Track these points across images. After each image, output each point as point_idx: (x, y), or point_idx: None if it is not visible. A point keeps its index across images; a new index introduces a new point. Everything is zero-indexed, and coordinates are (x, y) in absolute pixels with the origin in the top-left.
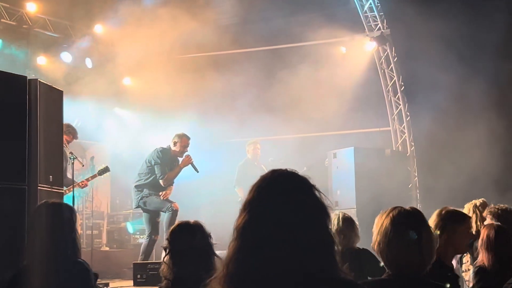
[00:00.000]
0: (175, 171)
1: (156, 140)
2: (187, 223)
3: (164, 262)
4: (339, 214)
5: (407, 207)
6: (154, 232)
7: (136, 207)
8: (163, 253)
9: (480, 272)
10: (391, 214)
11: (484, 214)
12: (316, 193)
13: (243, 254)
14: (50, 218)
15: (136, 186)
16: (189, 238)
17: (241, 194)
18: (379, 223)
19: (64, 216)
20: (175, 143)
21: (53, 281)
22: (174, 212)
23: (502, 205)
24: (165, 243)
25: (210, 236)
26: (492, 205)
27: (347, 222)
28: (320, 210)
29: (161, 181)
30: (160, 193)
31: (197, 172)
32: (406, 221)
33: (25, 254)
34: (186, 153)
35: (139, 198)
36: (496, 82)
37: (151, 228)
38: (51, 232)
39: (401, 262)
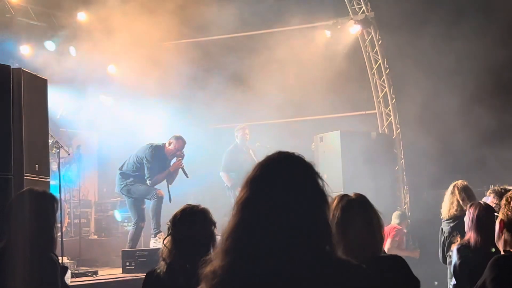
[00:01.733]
0: (163, 174)
1: (141, 127)
2: (191, 209)
3: (164, 244)
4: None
5: (352, 194)
6: (140, 219)
7: (119, 193)
8: (152, 240)
9: (462, 250)
10: (340, 204)
11: (488, 193)
12: (319, 180)
13: (242, 229)
14: (28, 206)
15: (121, 173)
16: (191, 225)
17: (225, 179)
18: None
19: (44, 205)
20: (170, 143)
21: (19, 269)
22: (159, 199)
23: (506, 186)
24: (167, 224)
25: (214, 225)
26: (497, 186)
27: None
28: (321, 197)
29: (148, 182)
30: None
31: (187, 177)
32: (355, 208)
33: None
34: (178, 157)
35: (123, 185)
36: (486, 63)
37: (137, 216)
38: (28, 220)
39: (356, 249)
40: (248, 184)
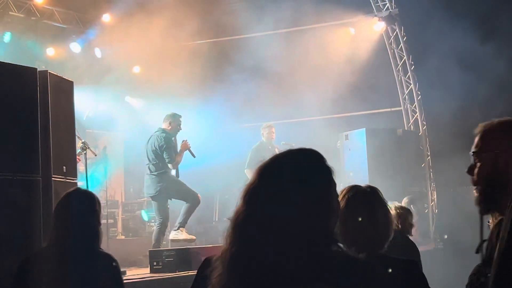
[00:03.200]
0: (180, 155)
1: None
2: None
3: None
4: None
5: (363, 185)
6: (166, 219)
7: (154, 194)
8: (172, 232)
9: None
10: (347, 195)
11: None
12: (332, 175)
13: (246, 216)
14: (81, 206)
15: (155, 174)
16: None
17: (250, 176)
18: None
19: (94, 206)
20: (169, 123)
21: (73, 269)
22: (197, 203)
23: None
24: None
25: None
26: None
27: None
28: (329, 190)
29: (170, 165)
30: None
31: (194, 157)
32: (361, 200)
33: (45, 238)
34: (184, 139)
35: (159, 187)
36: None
37: (163, 215)
38: (79, 220)
39: (357, 242)
40: (257, 171)
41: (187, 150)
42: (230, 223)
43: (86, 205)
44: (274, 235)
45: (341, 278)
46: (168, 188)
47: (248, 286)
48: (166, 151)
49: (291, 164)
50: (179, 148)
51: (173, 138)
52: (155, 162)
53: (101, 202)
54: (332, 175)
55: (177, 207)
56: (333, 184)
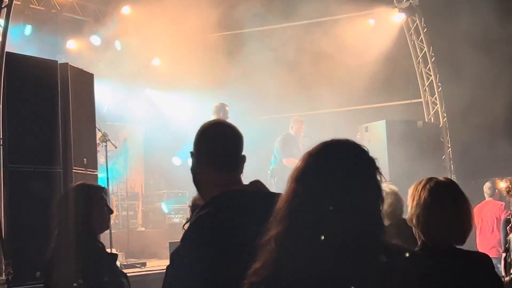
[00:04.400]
0: None
1: (187, 120)
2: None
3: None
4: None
5: (441, 178)
6: None
7: None
8: None
9: None
10: (428, 186)
11: None
12: (379, 176)
13: (295, 214)
14: (81, 200)
15: None
16: None
17: (292, 163)
18: (416, 196)
19: (97, 198)
20: (222, 114)
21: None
22: None
23: None
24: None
25: None
26: None
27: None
28: (377, 192)
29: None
30: None
31: None
32: (444, 192)
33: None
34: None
35: None
36: None
37: None
38: (80, 214)
39: (442, 234)
40: (296, 179)
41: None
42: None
43: (82, 200)
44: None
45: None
46: None
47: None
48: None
49: (340, 159)
50: None
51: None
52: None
53: (121, 194)
54: (376, 166)
55: None
56: (381, 192)
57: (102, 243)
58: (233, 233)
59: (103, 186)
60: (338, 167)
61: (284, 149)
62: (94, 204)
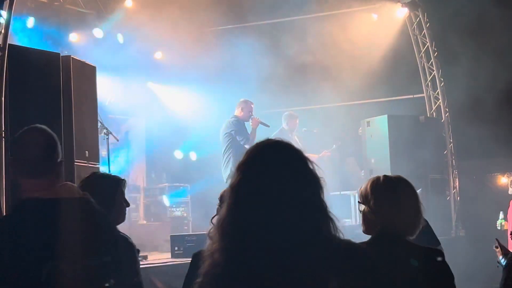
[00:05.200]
0: (253, 134)
1: (189, 114)
2: None
3: (212, 223)
4: None
5: (392, 175)
6: None
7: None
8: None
9: None
10: (380, 181)
11: None
12: (309, 164)
13: (235, 214)
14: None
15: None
16: None
17: None
18: (370, 191)
19: (119, 190)
20: (241, 109)
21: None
22: None
23: None
24: (218, 203)
25: None
26: None
27: None
28: (311, 180)
29: (246, 146)
30: None
31: (268, 126)
32: (395, 186)
33: None
34: (252, 117)
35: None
36: None
37: None
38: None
39: (394, 225)
40: (239, 169)
41: (260, 124)
42: (219, 222)
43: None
44: (274, 233)
45: (346, 267)
46: None
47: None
48: (238, 134)
49: (271, 158)
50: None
51: (245, 123)
52: (227, 148)
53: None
54: (310, 165)
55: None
56: (316, 173)
57: (129, 236)
58: (16, 239)
59: (123, 178)
60: (270, 159)
61: None
62: (115, 196)
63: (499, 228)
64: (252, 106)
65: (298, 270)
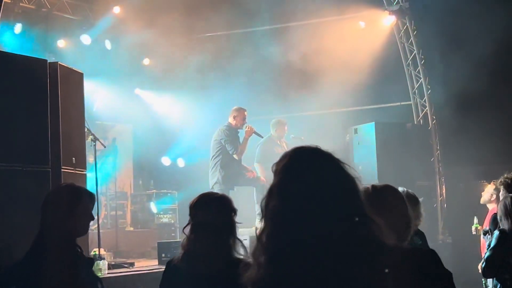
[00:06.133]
0: (244, 144)
1: (177, 120)
2: (208, 196)
3: (184, 233)
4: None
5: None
6: None
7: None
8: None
9: (501, 234)
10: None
11: (499, 182)
12: (343, 166)
13: (278, 239)
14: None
15: (216, 165)
16: (206, 211)
17: (259, 170)
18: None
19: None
20: (234, 117)
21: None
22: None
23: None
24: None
25: (234, 212)
26: (505, 175)
27: (409, 199)
28: (350, 183)
29: (234, 156)
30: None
31: (262, 137)
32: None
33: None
34: (246, 125)
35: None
36: None
37: None
38: (61, 217)
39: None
40: (274, 191)
41: (254, 134)
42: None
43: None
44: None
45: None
46: (231, 177)
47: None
48: (228, 143)
49: (310, 163)
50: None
51: (238, 131)
52: (217, 155)
53: (110, 193)
54: (343, 165)
55: None
56: (350, 180)
57: (80, 247)
58: None
59: (89, 190)
60: (305, 170)
61: (261, 153)
62: (76, 207)
63: (474, 233)
64: (246, 113)
65: (354, 281)
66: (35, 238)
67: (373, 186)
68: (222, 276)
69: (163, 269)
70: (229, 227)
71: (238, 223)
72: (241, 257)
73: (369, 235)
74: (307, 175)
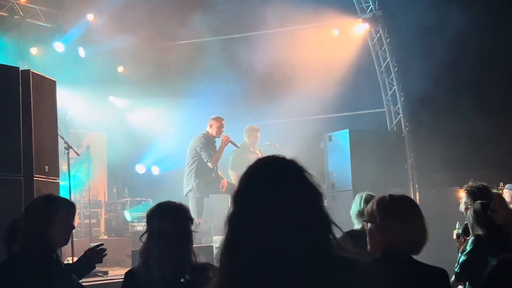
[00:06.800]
0: (219, 152)
1: (151, 128)
2: (166, 205)
3: (141, 240)
4: (362, 195)
5: (396, 194)
6: (201, 215)
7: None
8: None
9: (476, 239)
10: (386, 199)
11: (463, 191)
12: (306, 174)
13: (237, 246)
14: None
15: (191, 173)
16: (162, 220)
17: (234, 177)
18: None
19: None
20: (210, 126)
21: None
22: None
23: (477, 183)
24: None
25: (190, 221)
26: (470, 183)
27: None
28: (312, 191)
29: (209, 164)
30: (220, 186)
31: (237, 147)
32: (402, 205)
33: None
34: (223, 134)
35: (194, 184)
36: (489, 61)
37: (200, 213)
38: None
39: (401, 244)
40: (236, 199)
41: (230, 143)
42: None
43: (44, 211)
44: (275, 251)
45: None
46: (205, 184)
47: None
48: (203, 151)
49: (267, 180)
50: None
51: (215, 140)
52: (192, 162)
53: (84, 201)
54: (311, 179)
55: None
56: (315, 187)
57: (57, 254)
58: None
59: (70, 200)
60: (268, 182)
61: (235, 160)
62: (56, 217)
63: (454, 238)
64: (223, 122)
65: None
66: (10, 247)
67: (391, 196)
68: (177, 283)
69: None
70: (186, 235)
71: (194, 231)
72: (203, 263)
73: (323, 246)
74: (265, 185)
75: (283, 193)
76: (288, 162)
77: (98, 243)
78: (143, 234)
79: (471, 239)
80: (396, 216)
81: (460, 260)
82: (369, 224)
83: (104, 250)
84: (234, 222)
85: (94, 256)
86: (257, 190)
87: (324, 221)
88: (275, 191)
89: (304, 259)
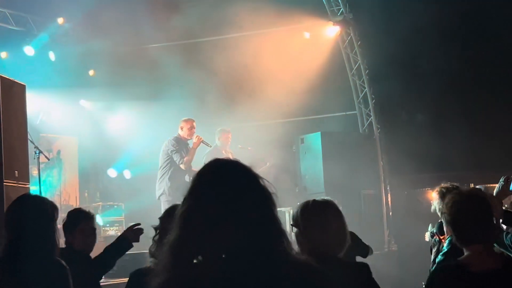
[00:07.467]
0: (191, 153)
1: (123, 131)
2: (174, 206)
3: (154, 240)
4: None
5: (320, 199)
6: None
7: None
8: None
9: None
10: (309, 205)
11: (435, 192)
12: (260, 181)
13: (185, 241)
14: (33, 212)
15: (163, 176)
16: (170, 220)
17: None
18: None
19: (47, 211)
20: (181, 128)
21: (27, 278)
22: None
23: (449, 184)
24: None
25: None
26: (442, 184)
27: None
28: (263, 197)
29: (181, 166)
30: None
31: (210, 146)
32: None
33: None
34: (194, 134)
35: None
36: (468, 62)
37: None
38: (31, 227)
39: (325, 244)
40: (188, 195)
41: (202, 144)
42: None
43: (39, 210)
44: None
45: (296, 284)
46: (178, 188)
47: None
48: (174, 154)
49: (219, 183)
50: None
51: (188, 142)
52: (164, 166)
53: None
54: (261, 182)
55: None
56: (265, 193)
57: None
58: None
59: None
60: (222, 182)
61: (206, 162)
62: (54, 219)
63: (427, 240)
64: (194, 124)
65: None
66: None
67: (314, 201)
68: None
69: (110, 283)
70: None
71: None
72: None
73: (273, 248)
74: (216, 183)
75: (236, 194)
76: (242, 166)
77: (135, 223)
78: (156, 235)
79: (448, 239)
80: (317, 223)
81: (438, 260)
82: (294, 229)
83: (142, 229)
84: (187, 217)
85: (132, 235)
86: (211, 188)
87: (274, 226)
88: (228, 191)
89: (255, 259)
